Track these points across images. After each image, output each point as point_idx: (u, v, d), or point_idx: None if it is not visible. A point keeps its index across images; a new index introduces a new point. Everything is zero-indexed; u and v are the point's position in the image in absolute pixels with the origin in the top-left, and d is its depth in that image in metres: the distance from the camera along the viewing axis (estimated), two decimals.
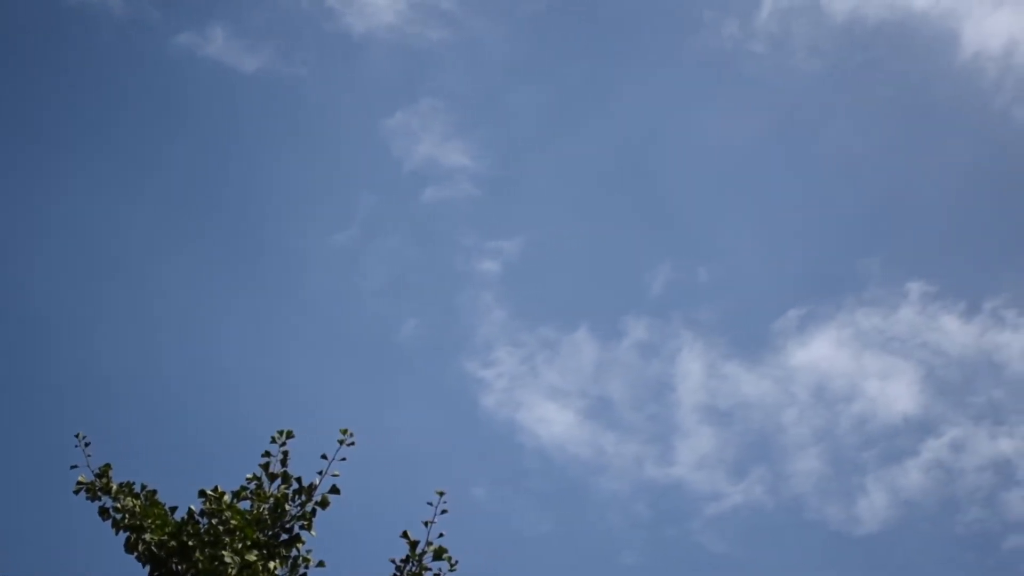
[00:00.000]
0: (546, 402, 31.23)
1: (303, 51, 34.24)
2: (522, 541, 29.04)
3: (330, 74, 34.74)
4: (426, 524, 9.18)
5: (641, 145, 35.20)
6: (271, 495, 9.36)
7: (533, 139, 35.31)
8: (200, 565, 8.98)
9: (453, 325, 33.01)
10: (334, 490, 9.40)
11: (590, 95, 35.39)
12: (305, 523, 9.32)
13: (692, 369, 31.71)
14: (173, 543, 9.12)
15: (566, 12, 35.53)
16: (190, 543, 9.09)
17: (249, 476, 9.43)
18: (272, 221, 34.21)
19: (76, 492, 9.40)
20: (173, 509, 9.30)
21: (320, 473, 9.42)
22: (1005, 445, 30.48)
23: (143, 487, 9.37)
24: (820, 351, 31.92)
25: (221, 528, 9.10)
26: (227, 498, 9.25)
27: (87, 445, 9.44)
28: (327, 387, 31.40)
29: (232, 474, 9.51)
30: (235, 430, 28.33)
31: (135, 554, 9.19)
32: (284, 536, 9.29)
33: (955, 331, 31.86)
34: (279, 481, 9.44)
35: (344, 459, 9.41)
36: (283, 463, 9.49)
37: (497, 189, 34.29)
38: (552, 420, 30.99)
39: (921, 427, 31.06)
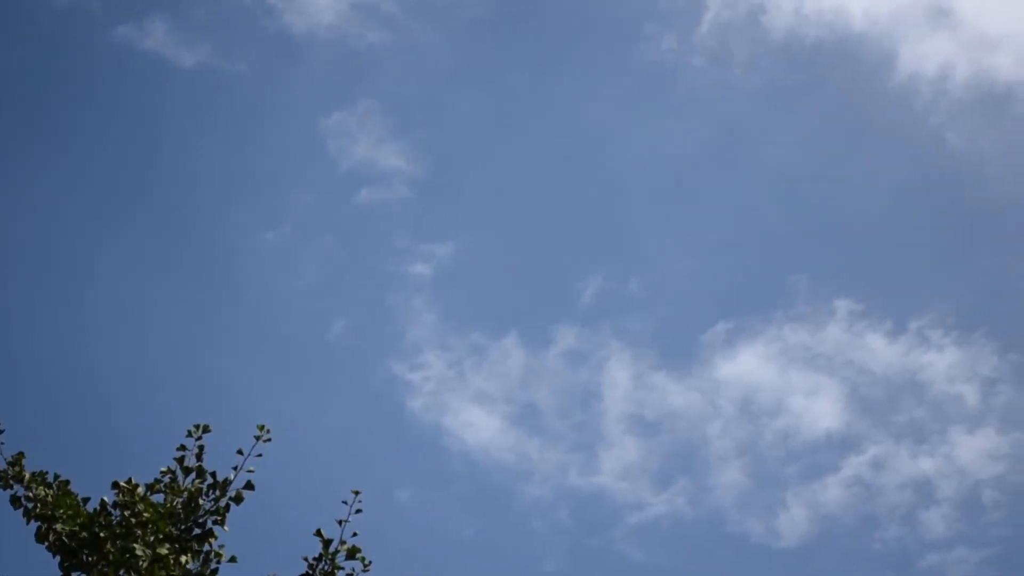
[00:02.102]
0: (473, 407, 31.27)
1: (243, 47, 34.13)
2: (445, 545, 29.06)
3: (269, 71, 34.64)
4: (340, 523, 9.19)
5: (577, 154, 35.37)
6: (185, 489, 9.32)
7: (470, 144, 35.38)
8: (111, 557, 8.93)
9: (383, 327, 33.00)
10: (249, 486, 9.37)
11: (528, 103, 35.52)
12: (218, 518, 9.28)
13: (620, 379, 31.87)
14: (84, 534, 9.07)
15: (508, 19, 35.66)
16: (102, 535, 9.03)
17: (164, 469, 9.38)
18: (205, 216, 34.05)
19: None
20: (86, 500, 9.24)
21: (235, 469, 9.40)
22: (925, 464, 30.87)
23: (56, 477, 9.31)
24: (747, 365, 32.19)
25: (133, 520, 9.05)
26: (140, 490, 9.19)
27: (0, 433, 9.37)
28: (253, 384, 31.28)
29: (149, 467, 9.48)
30: (156, 423, 28.15)
31: (46, 544, 9.13)
32: (197, 530, 9.25)
33: (880, 350, 32.25)
34: (194, 475, 9.40)
35: (260, 455, 9.39)
36: (198, 457, 9.45)
37: (432, 193, 34.33)
38: (478, 425, 31.04)
39: (843, 444, 31.41)
